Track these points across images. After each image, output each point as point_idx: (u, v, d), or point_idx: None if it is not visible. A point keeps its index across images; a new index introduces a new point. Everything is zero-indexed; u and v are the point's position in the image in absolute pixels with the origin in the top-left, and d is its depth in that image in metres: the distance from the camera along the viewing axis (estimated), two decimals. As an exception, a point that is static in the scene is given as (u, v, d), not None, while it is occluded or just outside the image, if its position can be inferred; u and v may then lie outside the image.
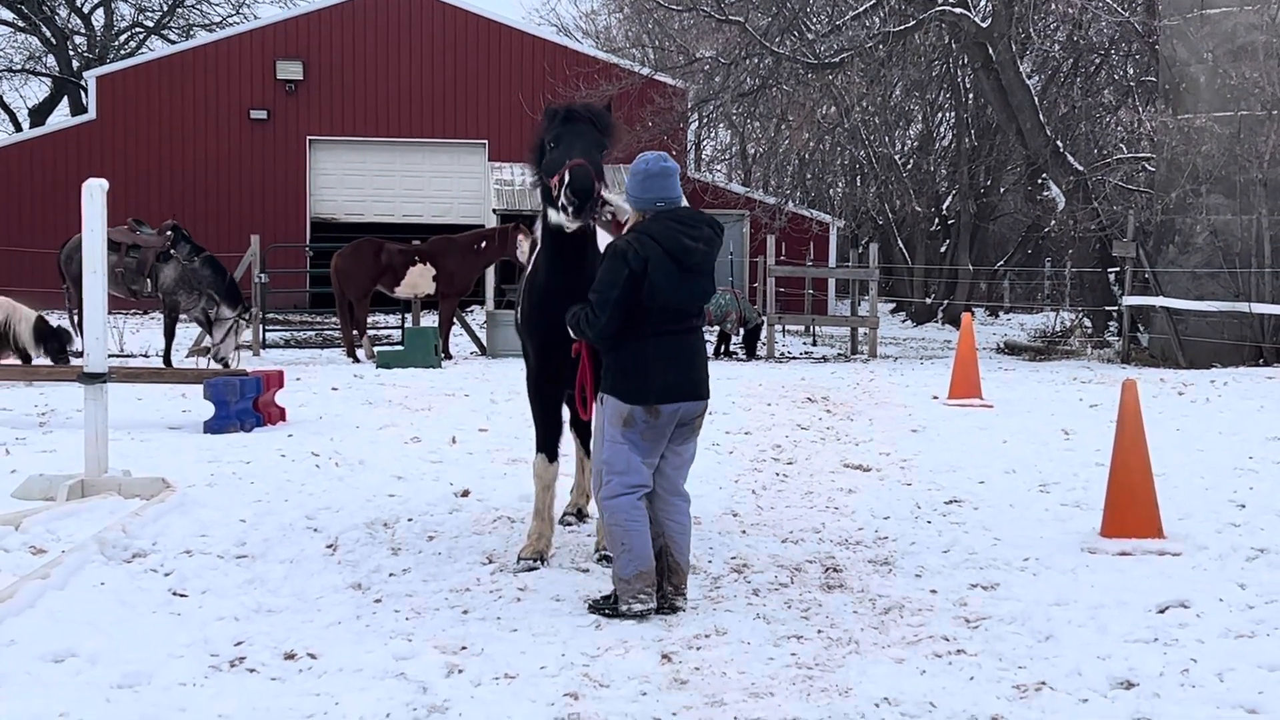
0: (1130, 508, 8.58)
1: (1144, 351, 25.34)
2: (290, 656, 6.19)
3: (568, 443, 8.78)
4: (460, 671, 6.00)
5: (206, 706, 5.48)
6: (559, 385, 8.02)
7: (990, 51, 28.12)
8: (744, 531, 9.03)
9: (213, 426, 13.35)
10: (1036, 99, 29.52)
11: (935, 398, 17.42)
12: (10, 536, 8.13)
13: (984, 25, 27.76)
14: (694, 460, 7.46)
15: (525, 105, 36.03)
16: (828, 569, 8.04)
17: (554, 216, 7.61)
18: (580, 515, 9.24)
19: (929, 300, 40.15)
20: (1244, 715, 5.50)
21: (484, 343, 25.61)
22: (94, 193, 9.65)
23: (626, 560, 6.96)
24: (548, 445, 8.25)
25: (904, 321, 40.65)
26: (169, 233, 20.49)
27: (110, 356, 20.24)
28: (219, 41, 39.99)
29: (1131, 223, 24.92)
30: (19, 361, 17.69)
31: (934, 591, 7.48)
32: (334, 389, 17.73)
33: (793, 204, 37.07)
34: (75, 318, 18.56)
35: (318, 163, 38.85)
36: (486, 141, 38.48)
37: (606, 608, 7.01)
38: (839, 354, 27.36)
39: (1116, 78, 34.94)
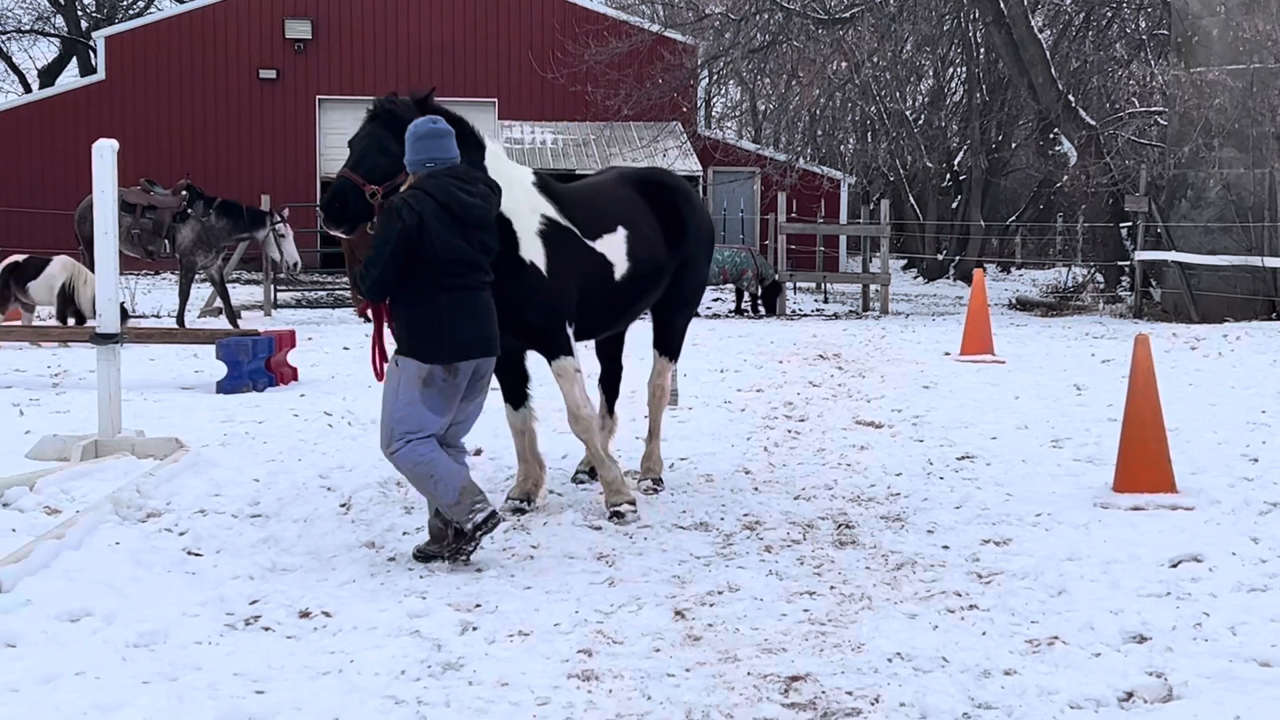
0: (1142, 462, 8.58)
1: (1156, 306, 25.28)
2: (305, 615, 6.22)
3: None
4: (474, 629, 6.02)
5: (222, 664, 5.51)
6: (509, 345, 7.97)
7: (1001, 5, 27.97)
8: (756, 489, 9.03)
9: (225, 386, 13.39)
10: (1048, 53, 29.37)
11: (947, 354, 17.42)
12: (25, 497, 8.16)
13: (995, -21, 27.60)
14: (479, 415, 7.57)
15: (535, 63, 35.96)
16: (840, 525, 8.05)
17: None
18: (593, 474, 9.26)
19: (941, 256, 40.05)
20: (1256, 668, 5.49)
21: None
22: (104, 153, 9.64)
23: (444, 488, 6.99)
24: (509, 397, 8.61)
25: (916, 278, 40.57)
26: (184, 192, 20.51)
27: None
28: (227, 1, 39.82)
29: (1144, 177, 24.83)
30: (74, 322, 17.76)
31: (946, 547, 7.49)
32: (345, 348, 17.76)
33: (803, 161, 36.94)
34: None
35: (327, 122, 38.71)
36: (496, 100, 38.35)
37: (452, 548, 7.05)
38: (850, 311, 27.33)
39: (1129, 31, 34.70)
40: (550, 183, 8.54)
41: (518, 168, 8.46)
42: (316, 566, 7.03)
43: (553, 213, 8.20)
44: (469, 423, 7.51)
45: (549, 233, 8.11)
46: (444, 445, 7.22)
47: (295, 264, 20.70)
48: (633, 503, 8.24)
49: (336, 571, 6.93)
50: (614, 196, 8.75)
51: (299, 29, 38.20)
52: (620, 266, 8.45)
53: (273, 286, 25.37)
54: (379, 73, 38.32)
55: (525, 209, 8.11)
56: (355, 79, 38.43)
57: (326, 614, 6.21)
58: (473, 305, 7.17)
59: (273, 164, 37.77)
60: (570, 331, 8.27)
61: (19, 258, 18.69)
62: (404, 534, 7.72)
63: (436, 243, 6.98)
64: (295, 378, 14.29)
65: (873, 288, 27.85)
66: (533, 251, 8.00)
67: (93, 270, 10.12)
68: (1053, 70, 28.52)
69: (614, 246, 8.44)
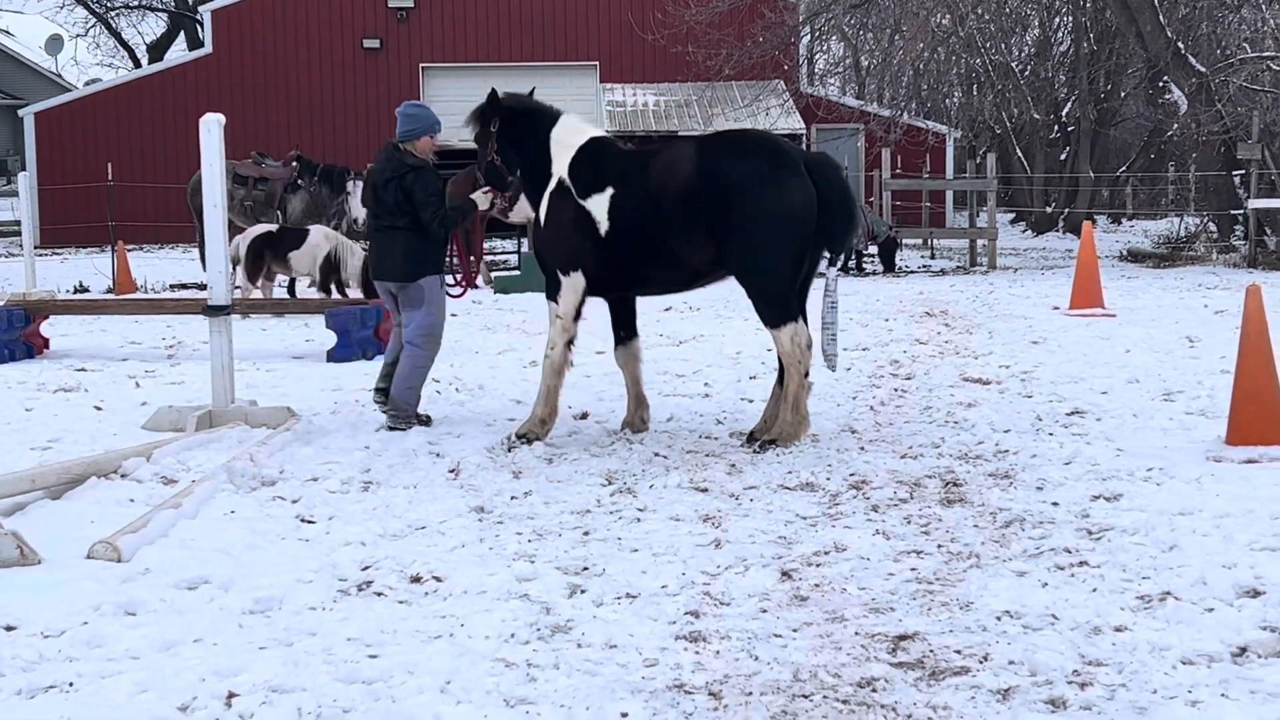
0: (1256, 415, 8.46)
1: (1271, 255, 24.81)
2: (416, 580, 6.30)
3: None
4: (582, 592, 6.07)
5: (336, 629, 5.60)
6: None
7: (1108, -48, 27.47)
8: (862, 448, 9.01)
9: (336, 355, 13.56)
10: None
11: (1056, 308, 17.23)
12: (142, 468, 8.33)
13: (1101, -74, 27.10)
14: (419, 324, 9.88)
15: (635, 25, 35.91)
16: (947, 484, 8.02)
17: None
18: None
19: (1049, 209, 39.53)
20: (1374, 622, 5.41)
21: (600, 265, 25.68)
22: (211, 128, 9.79)
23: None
24: (614, 336, 10.18)
25: (1024, 232, 40.09)
26: (294, 164, 20.75)
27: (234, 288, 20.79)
28: (330, -29, 40.18)
29: (1256, 124, 24.35)
30: (336, 294, 17.58)
31: (1055, 504, 7.43)
32: (453, 315, 17.82)
33: (908, 116, 36.58)
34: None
35: (431, 90, 38.96)
36: (598, 63, 38.37)
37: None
38: (958, 266, 27.08)
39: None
40: (597, 146, 9.56)
41: (578, 133, 9.69)
42: (426, 532, 7.12)
43: (564, 173, 9.43)
44: (408, 329, 9.94)
45: (554, 191, 9.49)
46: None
47: (356, 220, 20.46)
48: (536, 440, 9.19)
49: (446, 536, 7.01)
50: (632, 157, 9.51)
51: (402, -1, 38.45)
52: (603, 224, 9.16)
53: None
54: (481, 41, 38.55)
55: (556, 171, 9.51)
56: (458, 47, 38.65)
57: (437, 578, 6.29)
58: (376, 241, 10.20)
59: (379, 133, 37.91)
60: (567, 279, 9.47)
61: (270, 228, 18.33)
62: (511, 498, 7.79)
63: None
64: (403, 345, 14.41)
65: (980, 243, 27.56)
66: (541, 207, 9.62)
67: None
68: (1161, 17, 27.96)
69: (599, 205, 9.19)
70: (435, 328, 9.95)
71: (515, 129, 9.79)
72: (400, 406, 9.79)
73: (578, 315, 9.59)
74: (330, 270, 17.64)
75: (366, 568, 6.48)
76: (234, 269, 16.99)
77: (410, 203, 9.89)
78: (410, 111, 10.43)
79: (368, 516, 7.42)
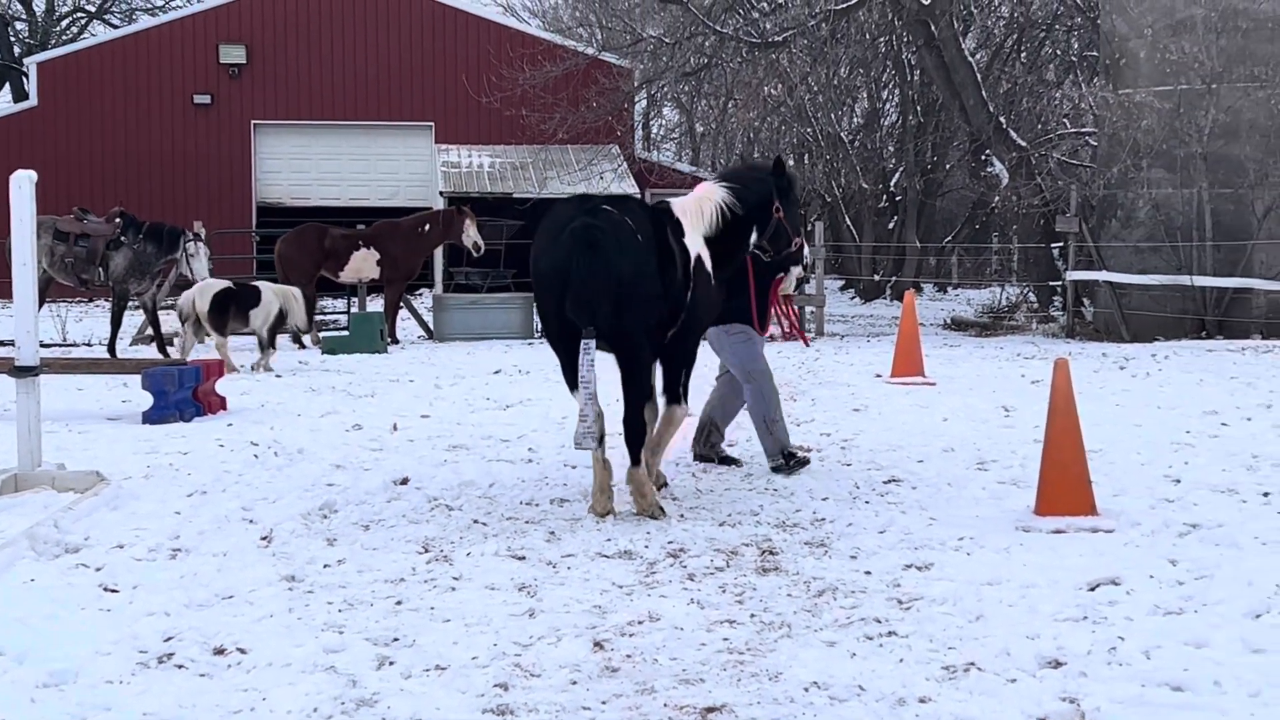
0: (1063, 485, 8.63)
1: (1088, 326, 25.50)
2: (220, 651, 6.15)
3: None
4: (391, 663, 5.98)
5: (133, 704, 5.44)
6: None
7: (932, 28, 28.16)
8: (682, 515, 9.02)
9: (151, 417, 13.26)
10: (980, 75, 29.62)
11: (879, 376, 17.50)
12: (-60, 533, 8.05)
13: (926, 3, 27.78)
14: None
15: (469, 88, 35.97)
16: (764, 552, 8.05)
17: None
18: None
19: (877, 277, 40.22)
20: (1169, 693, 5.52)
21: (431, 327, 25.54)
22: (22, 184, 9.54)
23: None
24: None
25: (853, 299, 40.73)
26: (117, 220, 20.34)
27: (50, 346, 20.31)
28: (161, 26, 39.66)
29: (1074, 198, 25.05)
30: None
31: (868, 573, 7.49)
32: (277, 376, 17.65)
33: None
34: None
35: (263, 147, 38.61)
36: (433, 124, 38.32)
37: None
38: (785, 333, 27.33)
39: (1059, 54, 35.06)
40: None
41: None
42: (233, 602, 6.96)
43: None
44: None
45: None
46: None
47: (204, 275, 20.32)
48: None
49: (254, 606, 6.86)
50: None
51: (233, 54, 38.10)
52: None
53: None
54: (315, 98, 38.31)
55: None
56: (291, 105, 38.36)
57: (241, 650, 6.15)
58: None
59: (208, 189, 37.62)
60: None
61: (225, 284, 18.86)
62: (324, 566, 7.66)
63: None
64: (224, 407, 14.17)
65: (808, 309, 27.92)
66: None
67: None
68: (984, 92, 28.76)
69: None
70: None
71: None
72: (772, 450, 10.52)
73: None
74: (280, 323, 18.61)
75: (169, 639, 6.30)
76: (183, 324, 18.37)
77: None
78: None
79: (174, 585, 7.24)
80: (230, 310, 18.37)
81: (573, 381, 8.88)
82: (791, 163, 44.22)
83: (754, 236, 9.87)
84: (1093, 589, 7.05)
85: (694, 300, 9.27)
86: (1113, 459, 10.69)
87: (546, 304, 8.92)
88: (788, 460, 10.49)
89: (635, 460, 8.95)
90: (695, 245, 9.37)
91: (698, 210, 9.56)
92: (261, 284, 19.25)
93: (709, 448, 10.91)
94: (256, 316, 18.57)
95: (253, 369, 18.26)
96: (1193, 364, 18.08)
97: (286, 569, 7.61)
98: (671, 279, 8.96)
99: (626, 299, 8.61)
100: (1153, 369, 17.63)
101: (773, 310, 10.75)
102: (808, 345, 11.01)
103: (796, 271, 10.64)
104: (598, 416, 8.69)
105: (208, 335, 18.55)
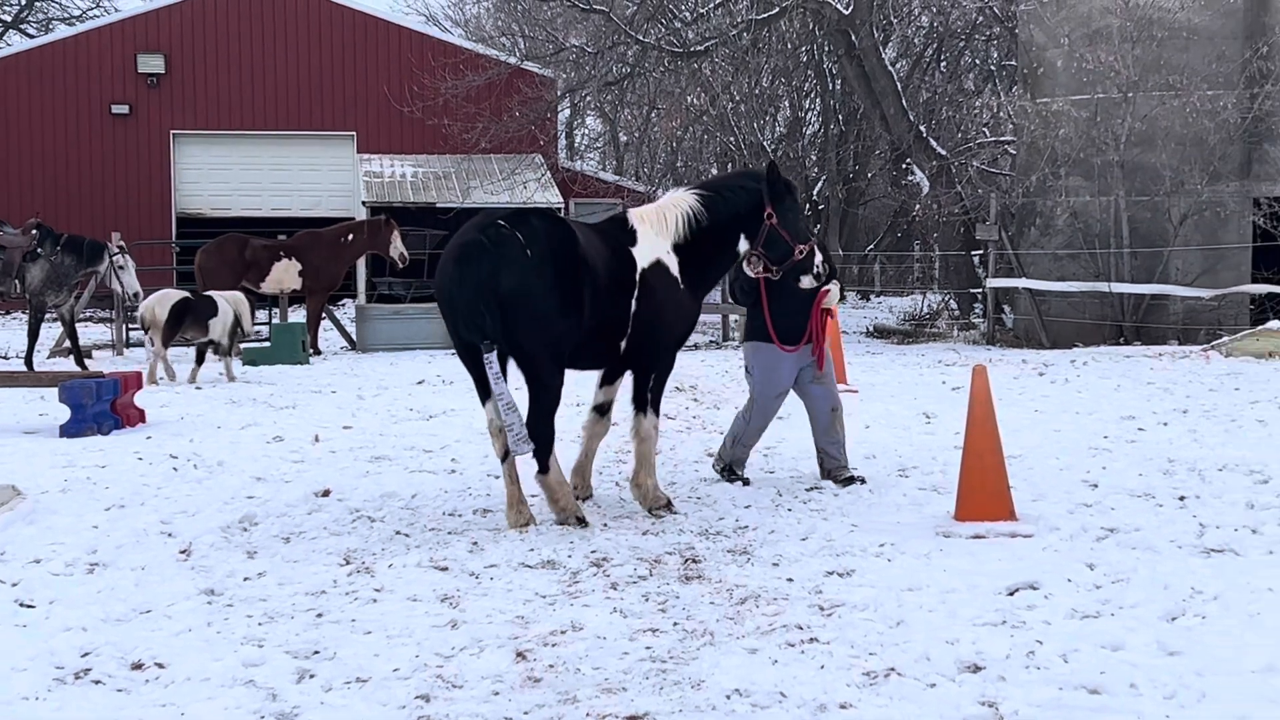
0: (983, 491, 8.71)
1: (1009, 333, 25.76)
2: (138, 666, 6.09)
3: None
4: (311, 676, 5.94)
5: (48, 721, 5.38)
6: None
7: (853, 38, 28.38)
8: (605, 525, 9.03)
9: (69, 430, 13.12)
10: (900, 84, 29.86)
11: (802, 384, 17.53)
12: None
13: (846, 12, 27.99)
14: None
15: (392, 97, 35.83)
16: (687, 560, 8.07)
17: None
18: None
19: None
20: (1086, 696, 5.58)
21: (354, 338, 25.41)
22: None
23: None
24: None
25: (777, 307, 40.82)
26: (34, 231, 20.09)
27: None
28: (78, 35, 39.19)
29: (994, 206, 25.31)
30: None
31: (790, 580, 7.52)
32: (198, 388, 17.50)
33: (664, 191, 37.05)
34: None
35: (182, 157, 38.26)
36: (355, 133, 38.12)
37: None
38: (711, 341, 27.47)
39: (978, 63, 35.39)
40: None
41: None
42: (152, 616, 6.89)
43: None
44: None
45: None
46: None
47: (135, 294, 20.30)
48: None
49: (172, 620, 6.80)
50: None
51: (152, 63, 37.71)
52: None
53: (125, 326, 24.91)
54: (235, 108, 38.02)
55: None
56: (211, 115, 38.03)
57: (159, 665, 6.09)
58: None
59: (127, 201, 37.21)
60: None
61: (183, 294, 18.98)
62: (244, 579, 7.60)
63: None
64: (143, 420, 14.02)
65: (733, 317, 28.01)
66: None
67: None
68: (904, 101, 29.00)
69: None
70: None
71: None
72: (724, 456, 10.68)
73: None
74: (236, 331, 18.81)
75: (86, 654, 6.23)
76: (146, 334, 18.52)
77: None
78: None
79: (91, 600, 7.16)
80: (186, 321, 18.48)
81: (482, 393, 8.89)
82: (715, 172, 44.45)
83: (743, 244, 9.73)
84: (1011, 593, 7.11)
85: (649, 309, 9.19)
86: (1032, 464, 10.80)
87: (445, 320, 8.93)
88: (728, 473, 10.56)
89: (543, 468, 8.87)
90: (650, 254, 9.29)
91: (659, 218, 9.47)
92: (214, 294, 19.42)
93: (825, 473, 10.49)
94: (215, 326, 18.68)
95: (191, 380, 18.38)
96: (1110, 370, 18.30)
97: (206, 582, 7.55)
98: (580, 292, 8.71)
99: (512, 313, 8.51)
100: (1071, 375, 17.81)
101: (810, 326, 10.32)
102: (821, 370, 10.48)
103: (835, 288, 10.30)
104: (523, 422, 8.68)
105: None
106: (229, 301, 18.99)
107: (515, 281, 8.48)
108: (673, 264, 9.38)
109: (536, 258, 8.55)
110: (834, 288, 10.29)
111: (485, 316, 8.48)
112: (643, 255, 9.27)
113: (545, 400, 8.85)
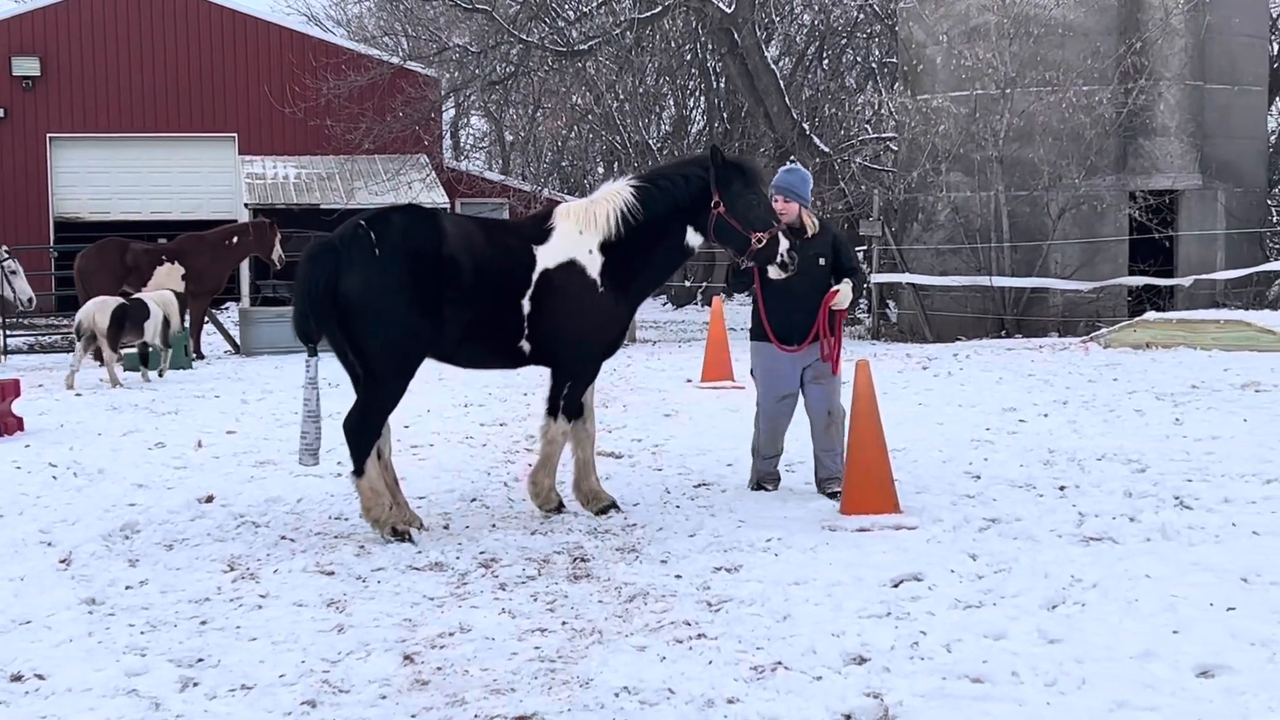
0: (867, 485, 8.81)
1: (893, 327, 26.04)
2: (17, 678, 5.99)
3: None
4: (195, 684, 5.88)
5: (-76, 737, 5.28)
6: None
7: (736, 36, 28.51)
8: (494, 525, 9.01)
9: (-51, 439, 12.86)
10: (783, 83, 30.06)
11: (689, 381, 17.64)
12: None
13: (728, 10, 28.12)
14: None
15: (273, 98, 35.46)
16: (576, 559, 8.08)
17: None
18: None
19: (688, 284, 40.55)
20: (969, 685, 5.66)
21: (237, 341, 25.12)
22: None
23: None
24: None
25: (664, 305, 40.98)
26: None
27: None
28: (-51, 37, 38.41)
29: (877, 202, 25.54)
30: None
31: (679, 576, 7.56)
32: (78, 395, 17.21)
33: (550, 190, 37.04)
34: None
35: (59, 160, 37.56)
36: (236, 135, 37.64)
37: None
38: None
39: (860, 60, 35.73)
40: None
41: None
42: (32, 626, 6.78)
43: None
44: None
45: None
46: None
47: (30, 299, 20.12)
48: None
49: (52, 631, 6.69)
50: None
51: (27, 66, 36.96)
52: None
53: (3, 332, 24.43)
54: (114, 110, 37.39)
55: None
56: (89, 117, 37.37)
57: (40, 676, 6.00)
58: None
59: (2, 205, 36.47)
60: None
61: (120, 300, 19.02)
62: (126, 588, 7.50)
63: None
64: (21, 428, 13.75)
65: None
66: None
67: None
68: (787, 99, 29.20)
69: None
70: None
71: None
72: (753, 475, 10.21)
73: None
74: (166, 329, 19.13)
75: (-37, 668, 6.12)
76: (78, 340, 18.52)
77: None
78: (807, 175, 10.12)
79: (-33, 613, 7.03)
80: (126, 325, 18.63)
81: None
82: (602, 171, 44.52)
83: (692, 237, 9.27)
84: (896, 585, 7.20)
85: (554, 311, 8.93)
86: (915, 457, 10.93)
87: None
88: (760, 489, 10.02)
89: (358, 470, 8.63)
90: (562, 253, 8.96)
91: (586, 216, 9.07)
92: (143, 295, 19.64)
93: (817, 483, 9.89)
94: (149, 327, 18.92)
95: (109, 381, 18.29)
96: (992, 362, 18.55)
97: (86, 591, 7.44)
98: (438, 291, 8.50)
99: (351, 313, 8.39)
100: (954, 368, 18.04)
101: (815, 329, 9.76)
102: (836, 373, 9.86)
103: (846, 287, 9.64)
104: (318, 435, 8.63)
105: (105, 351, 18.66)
106: (158, 303, 19.17)
107: (356, 281, 8.34)
108: (593, 264, 8.98)
109: (385, 256, 8.40)
110: (844, 287, 9.66)
111: (311, 319, 8.40)
112: (550, 254, 8.94)
113: (375, 400, 8.66)
